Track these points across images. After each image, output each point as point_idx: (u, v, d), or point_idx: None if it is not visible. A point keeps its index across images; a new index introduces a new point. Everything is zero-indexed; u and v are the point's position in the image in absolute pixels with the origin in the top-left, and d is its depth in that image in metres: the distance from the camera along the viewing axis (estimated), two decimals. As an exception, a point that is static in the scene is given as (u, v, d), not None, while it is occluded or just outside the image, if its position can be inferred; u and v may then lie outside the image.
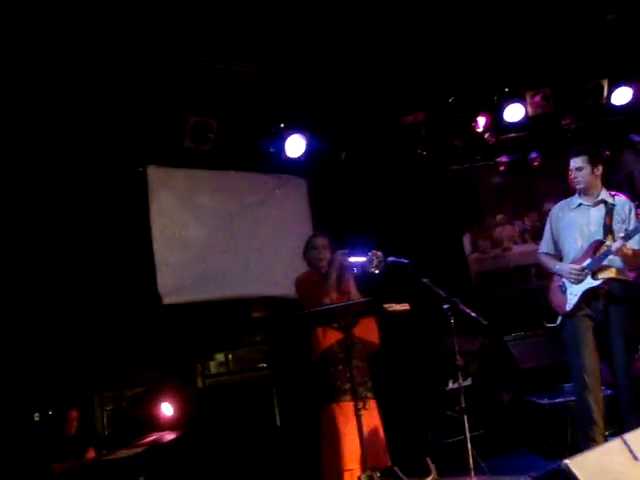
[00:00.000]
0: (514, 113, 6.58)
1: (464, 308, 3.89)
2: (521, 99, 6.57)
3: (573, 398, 4.74)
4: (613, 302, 4.02)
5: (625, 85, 6.65)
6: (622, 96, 6.69)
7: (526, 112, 6.63)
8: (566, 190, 6.51)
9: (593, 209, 4.21)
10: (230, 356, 6.05)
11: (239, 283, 5.90)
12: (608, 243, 4.02)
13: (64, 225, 5.25)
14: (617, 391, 4.10)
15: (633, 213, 4.17)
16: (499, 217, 7.32)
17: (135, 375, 5.71)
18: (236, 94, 5.61)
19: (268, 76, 5.48)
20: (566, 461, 2.16)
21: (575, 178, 4.21)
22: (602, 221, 4.12)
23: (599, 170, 4.22)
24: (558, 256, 4.36)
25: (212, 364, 6.01)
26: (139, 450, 4.48)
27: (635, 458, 2.33)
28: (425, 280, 3.95)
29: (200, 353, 5.92)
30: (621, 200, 4.26)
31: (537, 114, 6.70)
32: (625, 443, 2.42)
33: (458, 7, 5.15)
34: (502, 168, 7.21)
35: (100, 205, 5.40)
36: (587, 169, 4.17)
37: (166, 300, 5.43)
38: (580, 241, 4.18)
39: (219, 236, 5.90)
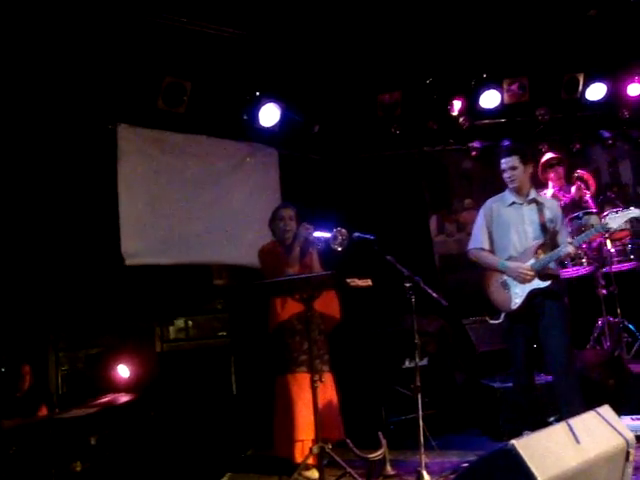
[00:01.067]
0: (490, 99, 6.64)
1: (425, 288, 3.93)
2: (498, 86, 6.63)
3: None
4: (550, 298, 4.14)
5: (600, 81, 6.74)
6: (596, 92, 6.79)
7: (502, 99, 6.69)
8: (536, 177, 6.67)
9: (526, 208, 4.28)
10: (190, 322, 6.04)
11: (204, 249, 5.86)
12: (545, 247, 4.14)
13: (28, 178, 5.14)
14: (556, 383, 4.21)
15: (560, 212, 4.32)
16: (467, 202, 7.38)
17: (93, 335, 5.66)
18: (214, 58, 5.53)
19: (247, 43, 5.41)
20: (512, 442, 2.21)
21: (510, 177, 4.25)
22: (537, 221, 4.22)
23: (530, 169, 4.32)
24: (491, 252, 4.38)
25: (172, 329, 5.99)
26: (92, 410, 4.46)
27: (577, 441, 2.40)
28: (389, 257, 3.97)
29: (160, 317, 5.89)
30: (548, 199, 4.48)
31: (512, 102, 6.76)
32: (569, 427, 2.49)
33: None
34: (474, 153, 7.26)
35: (67, 160, 5.29)
36: (520, 168, 4.23)
37: (129, 261, 5.37)
38: (517, 241, 4.24)
39: (187, 201, 5.83)
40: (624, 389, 4.91)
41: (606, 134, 7.34)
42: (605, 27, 5.89)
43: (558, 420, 3.73)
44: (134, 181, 5.56)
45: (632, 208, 4.04)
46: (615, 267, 5.81)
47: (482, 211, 4.47)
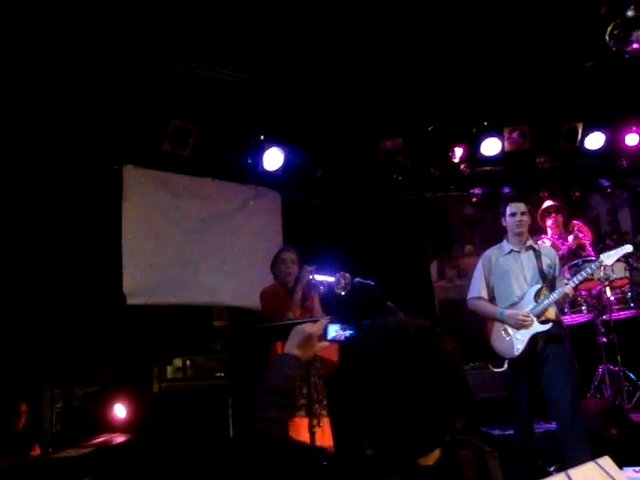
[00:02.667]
0: (491, 147, 6.74)
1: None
2: (499, 134, 6.73)
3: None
4: (551, 342, 4.13)
5: (598, 131, 6.85)
6: (595, 141, 6.90)
7: (502, 147, 6.79)
8: (533, 225, 6.71)
9: (523, 255, 4.32)
10: (188, 362, 6.01)
11: (205, 290, 5.88)
12: (545, 291, 4.17)
13: (33, 215, 5.19)
14: (561, 429, 4.14)
15: (557, 259, 4.36)
16: (467, 248, 7.42)
17: (90, 373, 5.63)
18: (220, 102, 5.64)
19: (253, 87, 5.52)
20: (510, 493, 2.19)
21: (520, 221, 4.29)
22: (535, 267, 4.24)
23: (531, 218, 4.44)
24: (490, 301, 4.38)
25: (169, 368, 5.96)
26: (86, 451, 4.39)
27: (576, 494, 2.37)
28: (390, 304, 3.99)
29: (158, 357, 5.87)
30: (544, 247, 4.54)
31: (513, 150, 6.86)
32: (569, 478, 2.47)
33: (447, 38, 5.27)
34: (474, 200, 7.34)
35: (72, 199, 5.35)
36: (527, 215, 4.32)
37: (130, 300, 5.38)
38: (517, 287, 4.26)
39: (190, 242, 5.88)
40: (626, 439, 4.86)
41: (605, 183, 7.42)
42: (603, 78, 6.02)
43: (558, 470, 3.68)
44: (138, 221, 5.62)
45: (626, 245, 4.15)
46: (615, 315, 5.82)
47: (480, 261, 4.49)
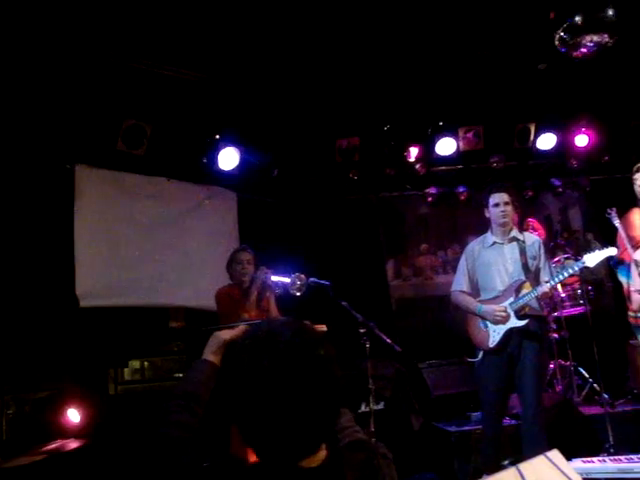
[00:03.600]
0: (446, 147, 6.81)
1: (379, 333, 3.96)
2: (454, 134, 6.82)
3: (479, 427, 4.97)
4: (528, 338, 4.13)
5: (550, 132, 7.01)
6: (547, 142, 7.04)
7: (457, 147, 6.87)
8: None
9: (507, 247, 4.30)
10: (146, 364, 5.93)
11: (160, 291, 5.81)
12: (527, 285, 4.15)
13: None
14: (523, 422, 4.20)
15: (542, 249, 4.32)
16: (423, 246, 7.51)
17: (42, 378, 5.50)
18: (175, 101, 5.57)
19: (208, 86, 5.48)
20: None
21: (503, 212, 4.25)
22: (518, 259, 4.23)
23: (515, 208, 4.39)
24: (474, 294, 4.39)
25: (127, 371, 5.86)
26: (39, 458, 4.30)
27: (525, 487, 2.42)
28: (344, 303, 4.01)
29: (115, 359, 5.77)
30: (530, 237, 4.44)
31: (468, 150, 6.96)
32: (519, 472, 2.52)
33: (404, 39, 5.31)
34: (430, 199, 7.42)
35: (23, 199, 5.22)
36: (511, 205, 4.29)
37: (83, 303, 5.29)
38: (499, 280, 4.25)
39: (144, 243, 5.81)
40: (575, 432, 4.99)
41: (556, 182, 7.59)
42: (554, 81, 6.15)
43: (513, 463, 3.75)
44: (91, 222, 5.52)
45: (610, 248, 4.08)
46: (566, 312, 5.96)
47: (464, 254, 4.49)
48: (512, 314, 4.12)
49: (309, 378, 1.29)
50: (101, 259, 5.51)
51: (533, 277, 4.21)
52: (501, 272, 4.25)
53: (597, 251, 4.07)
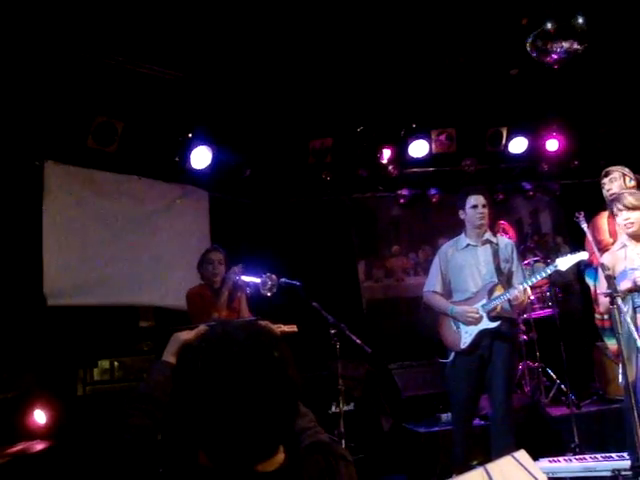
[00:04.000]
0: (419, 149, 6.85)
1: (350, 335, 3.97)
2: (426, 136, 6.85)
3: (448, 428, 5.02)
4: (499, 339, 4.17)
5: (521, 136, 7.09)
6: (518, 146, 7.13)
7: (430, 149, 6.90)
8: (460, 225, 6.86)
9: (480, 249, 4.34)
10: (116, 363, 5.85)
11: (130, 290, 5.74)
12: (500, 287, 4.20)
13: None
14: (492, 422, 4.25)
15: (515, 252, 4.37)
16: (395, 248, 7.53)
17: (8, 378, 5.40)
18: (147, 99, 5.51)
19: (182, 85, 5.43)
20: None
21: (482, 214, 4.29)
22: (491, 262, 4.27)
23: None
24: (447, 295, 4.41)
25: (96, 371, 5.76)
26: (2, 461, 4.22)
27: (493, 487, 2.44)
28: (314, 304, 4.01)
29: (83, 359, 5.68)
30: (503, 240, 4.49)
31: (440, 152, 6.99)
32: (486, 472, 2.54)
33: (378, 42, 5.33)
34: (402, 201, 7.43)
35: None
36: (487, 207, 4.33)
37: (51, 302, 5.20)
38: (472, 282, 4.28)
39: (114, 241, 5.72)
40: (542, 432, 5.06)
41: (527, 186, 7.68)
42: (526, 86, 6.23)
43: (481, 463, 3.78)
44: (60, 219, 5.42)
45: (582, 252, 4.10)
46: (535, 314, 6.04)
47: (437, 255, 4.50)
48: (484, 316, 4.15)
49: (263, 381, 1.28)
50: (70, 257, 5.41)
51: (505, 280, 4.25)
52: (474, 274, 4.28)
53: (569, 255, 4.10)
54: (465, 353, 4.20)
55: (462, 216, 4.39)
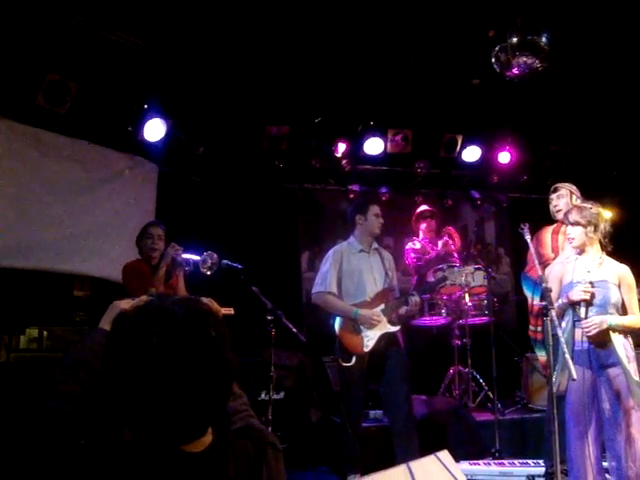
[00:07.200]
0: (374, 146, 6.87)
1: (286, 322, 3.96)
2: (383, 135, 6.88)
3: (374, 424, 5.16)
4: (394, 342, 4.38)
5: (475, 145, 7.20)
6: (471, 154, 7.23)
7: (385, 148, 6.93)
8: (407, 226, 6.91)
9: (372, 257, 4.52)
10: (45, 333, 5.67)
11: (67, 257, 5.54)
12: (391, 294, 4.47)
13: None
14: (394, 422, 4.32)
15: (393, 264, 4.67)
16: (339, 242, 7.49)
17: None
18: (107, 64, 5.34)
19: (144, 54, 5.29)
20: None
21: (381, 224, 4.51)
22: (382, 269, 4.48)
23: None
24: (338, 297, 4.44)
25: (22, 338, 5.58)
26: None
27: (415, 484, 2.48)
28: (254, 288, 3.98)
29: (10, 325, 5.49)
30: (386, 252, 4.71)
31: (395, 152, 7.04)
32: (409, 469, 2.56)
33: (343, 37, 5.32)
34: (352, 196, 7.39)
35: None
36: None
37: (-19, 262, 4.99)
38: (369, 287, 4.40)
39: (55, 204, 5.51)
40: (466, 435, 5.16)
41: (476, 195, 7.80)
42: (486, 97, 6.33)
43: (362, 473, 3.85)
44: (0, 176, 5.20)
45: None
46: (470, 320, 6.15)
47: (332, 256, 4.52)
48: (384, 320, 4.30)
49: (197, 359, 1.24)
50: (6, 218, 5.19)
51: (391, 287, 4.50)
52: (369, 280, 4.42)
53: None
54: (364, 355, 4.29)
55: (359, 221, 4.53)
